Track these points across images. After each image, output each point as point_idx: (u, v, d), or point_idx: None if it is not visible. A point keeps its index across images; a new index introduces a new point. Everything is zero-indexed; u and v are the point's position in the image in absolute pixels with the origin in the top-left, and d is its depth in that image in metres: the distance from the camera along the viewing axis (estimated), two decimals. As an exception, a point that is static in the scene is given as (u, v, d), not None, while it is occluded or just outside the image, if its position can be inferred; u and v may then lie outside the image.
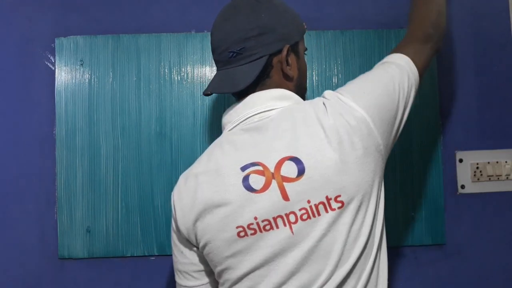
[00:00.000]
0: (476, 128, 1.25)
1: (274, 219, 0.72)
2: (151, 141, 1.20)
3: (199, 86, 1.22)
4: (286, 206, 0.72)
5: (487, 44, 1.26)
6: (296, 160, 0.72)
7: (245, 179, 0.73)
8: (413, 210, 1.21)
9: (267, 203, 0.72)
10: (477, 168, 1.23)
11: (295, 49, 0.85)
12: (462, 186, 1.23)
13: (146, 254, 1.18)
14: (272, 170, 0.72)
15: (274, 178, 0.72)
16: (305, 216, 0.71)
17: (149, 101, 1.20)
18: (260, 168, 0.73)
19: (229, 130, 0.81)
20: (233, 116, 0.82)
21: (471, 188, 1.23)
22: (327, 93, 0.79)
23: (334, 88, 1.21)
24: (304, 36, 0.90)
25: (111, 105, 1.20)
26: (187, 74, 1.22)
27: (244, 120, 0.80)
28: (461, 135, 1.24)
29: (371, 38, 1.24)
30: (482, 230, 1.23)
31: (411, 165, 1.22)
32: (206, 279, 0.84)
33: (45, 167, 1.19)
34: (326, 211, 0.71)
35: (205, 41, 1.22)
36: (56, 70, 1.21)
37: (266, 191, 0.72)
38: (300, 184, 0.71)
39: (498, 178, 1.24)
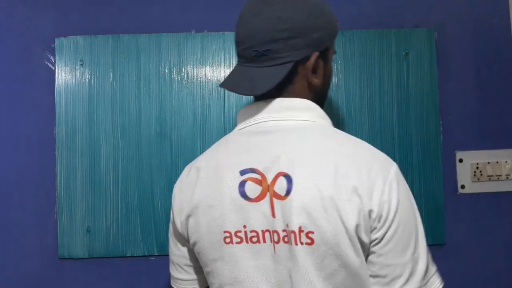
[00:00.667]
0: (476, 128, 1.25)
1: (263, 232, 0.69)
2: (151, 141, 1.20)
3: (199, 86, 1.22)
4: (273, 223, 0.68)
5: (487, 44, 1.26)
6: (287, 178, 0.68)
7: (242, 184, 0.70)
8: (413, 210, 1.21)
9: (258, 214, 0.69)
10: (477, 168, 1.23)
11: (324, 55, 0.78)
12: (462, 186, 1.23)
13: (146, 254, 1.18)
14: (269, 182, 0.69)
15: (268, 191, 0.69)
16: (286, 239, 0.67)
17: (149, 101, 1.20)
18: (258, 176, 0.70)
19: (239, 129, 0.77)
20: (247, 116, 0.77)
21: (471, 188, 1.23)
22: (393, 171, 0.69)
23: (334, 89, 1.22)
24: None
25: (111, 105, 1.20)
26: (187, 74, 1.22)
27: (257, 123, 0.75)
28: (461, 135, 1.24)
29: (371, 38, 1.24)
30: (482, 230, 1.23)
31: (411, 165, 1.22)
32: (195, 276, 0.82)
33: (45, 167, 1.19)
34: (296, 243, 0.66)
35: (205, 41, 1.22)
36: (56, 70, 1.21)
37: (260, 202, 0.69)
38: (284, 205, 0.67)
39: (498, 178, 1.24)
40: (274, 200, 0.68)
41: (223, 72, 1.22)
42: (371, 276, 0.69)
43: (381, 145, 1.21)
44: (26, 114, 1.20)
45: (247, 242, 0.69)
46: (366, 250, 0.68)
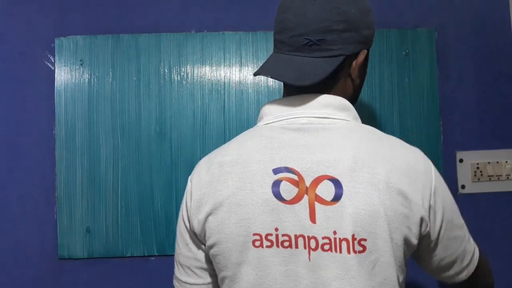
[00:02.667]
0: (476, 128, 1.24)
1: (296, 237, 0.64)
2: (151, 141, 1.20)
3: (199, 86, 1.22)
4: (311, 229, 0.64)
5: (487, 44, 1.26)
6: (336, 183, 0.64)
7: (276, 184, 0.65)
8: (413, 210, 1.21)
9: (293, 217, 0.64)
10: (478, 168, 1.23)
11: (367, 56, 0.76)
12: (463, 186, 1.23)
13: (146, 254, 1.18)
14: (307, 184, 0.64)
15: (307, 194, 0.64)
16: (326, 247, 0.63)
17: (149, 101, 1.20)
18: (295, 177, 0.65)
19: (266, 124, 0.71)
20: (278, 110, 0.71)
21: (472, 188, 1.23)
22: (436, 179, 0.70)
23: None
24: None
25: (110, 105, 1.20)
26: (187, 74, 1.22)
27: (290, 119, 0.70)
28: (461, 135, 1.24)
29: (371, 38, 1.23)
30: (482, 230, 1.23)
31: (411, 165, 1.21)
32: (208, 279, 0.75)
33: (45, 167, 1.19)
34: (348, 251, 0.63)
35: (205, 41, 1.22)
36: (56, 70, 1.21)
37: (296, 205, 0.64)
38: (332, 210, 0.63)
39: (499, 178, 1.23)
40: (317, 204, 0.64)
41: (223, 72, 1.22)
42: (436, 268, 0.75)
43: (381, 145, 1.21)
44: (26, 114, 1.20)
45: (277, 246, 0.65)
46: (412, 252, 0.70)
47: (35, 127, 1.20)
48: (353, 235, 0.62)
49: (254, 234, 0.65)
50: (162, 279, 1.20)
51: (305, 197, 0.64)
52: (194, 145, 1.20)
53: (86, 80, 1.21)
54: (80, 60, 1.21)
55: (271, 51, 1.24)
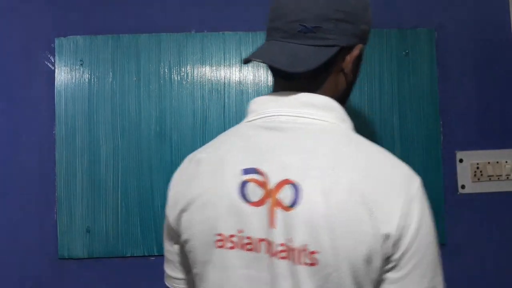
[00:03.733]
0: (476, 128, 1.24)
1: (259, 241, 0.62)
2: (151, 141, 1.20)
3: (199, 86, 1.22)
4: (271, 234, 0.61)
5: (487, 44, 1.26)
6: (296, 188, 0.60)
7: (243, 185, 0.63)
8: (413, 210, 1.21)
9: (257, 220, 0.62)
10: (477, 168, 1.23)
11: (362, 52, 0.72)
12: (462, 186, 1.23)
13: (146, 254, 1.18)
14: (271, 187, 0.62)
15: (270, 197, 0.61)
16: (283, 254, 0.60)
17: (149, 101, 1.20)
18: (261, 178, 0.63)
19: (249, 121, 0.69)
20: (262, 107, 0.69)
21: (472, 188, 1.23)
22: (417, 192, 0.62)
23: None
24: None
25: (111, 105, 1.20)
26: (187, 74, 1.22)
27: (270, 116, 0.67)
28: (461, 135, 1.24)
29: (372, 37, 1.22)
30: (482, 230, 1.23)
31: (411, 165, 1.20)
32: (190, 274, 0.74)
33: (45, 167, 1.19)
34: (300, 262, 0.59)
35: (205, 41, 1.22)
36: (56, 70, 1.21)
37: (260, 207, 0.62)
38: (289, 217, 0.60)
39: (499, 178, 1.23)
40: (277, 209, 0.61)
41: (223, 72, 1.22)
42: None
43: (381, 145, 1.20)
44: (26, 114, 1.20)
45: (241, 248, 0.63)
46: (375, 278, 0.61)
47: (35, 127, 1.20)
48: (305, 246, 0.59)
49: (217, 234, 0.64)
50: (162, 279, 1.19)
51: (269, 200, 0.62)
52: (194, 145, 1.20)
53: (86, 80, 1.21)
54: (80, 60, 1.21)
55: (271, 51, 1.24)
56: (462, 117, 1.24)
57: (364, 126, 1.21)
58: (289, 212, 0.60)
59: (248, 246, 0.63)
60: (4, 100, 1.20)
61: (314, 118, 0.66)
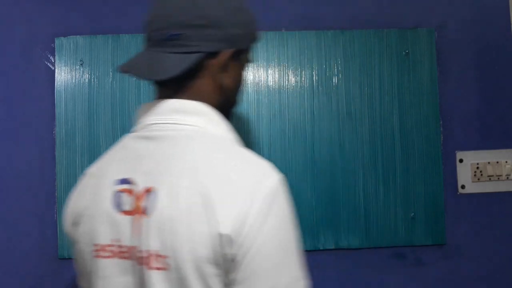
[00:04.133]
0: (476, 128, 1.25)
1: (131, 248, 0.63)
2: (151, 141, 1.20)
3: (199, 86, 1.21)
4: (138, 241, 0.63)
5: (487, 44, 1.26)
6: (155, 195, 0.62)
7: (117, 195, 0.65)
8: (413, 210, 1.21)
9: (128, 229, 0.63)
10: (477, 168, 1.23)
11: (239, 57, 0.72)
12: (463, 186, 1.23)
13: (146, 254, 1.18)
14: (138, 195, 0.64)
15: (137, 205, 0.63)
16: (145, 261, 0.62)
17: (149, 101, 1.20)
18: (131, 187, 0.64)
19: (132, 132, 0.71)
20: (142, 117, 0.71)
21: (472, 188, 1.23)
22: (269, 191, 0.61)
23: (334, 89, 1.22)
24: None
25: (111, 105, 1.20)
26: (187, 74, 1.21)
27: (147, 125, 0.69)
28: (461, 135, 1.24)
29: (371, 38, 1.23)
30: (482, 230, 1.23)
31: (411, 165, 1.22)
32: None
33: (45, 167, 1.19)
34: (152, 267, 0.61)
35: (205, 41, 1.22)
36: (56, 70, 1.21)
37: (131, 216, 0.64)
38: (147, 223, 0.62)
39: (499, 178, 1.23)
40: (141, 216, 0.63)
41: (223, 72, 1.22)
42: None
43: (381, 145, 1.21)
44: (26, 114, 1.20)
45: (118, 257, 0.64)
46: (225, 281, 0.60)
47: (35, 127, 1.20)
48: (158, 251, 0.61)
49: (95, 245, 0.66)
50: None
51: (137, 208, 0.63)
52: (194, 145, 1.20)
53: (86, 80, 1.21)
54: (80, 60, 1.21)
55: (271, 51, 1.25)
56: (462, 117, 1.24)
57: (364, 126, 1.22)
58: (149, 218, 0.62)
59: (125, 254, 0.64)
60: (4, 100, 1.20)
61: (183, 124, 0.67)
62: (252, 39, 0.75)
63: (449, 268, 1.22)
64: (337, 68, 1.23)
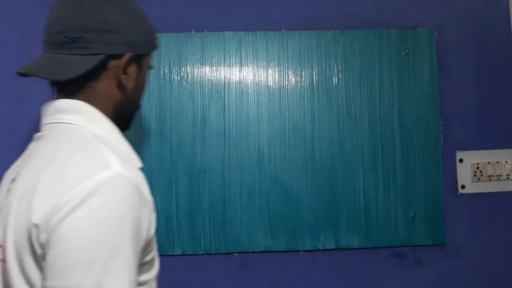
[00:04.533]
0: (476, 128, 1.25)
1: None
2: (151, 141, 1.20)
3: (199, 86, 1.21)
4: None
5: (487, 44, 1.26)
6: (9, 191, 0.67)
7: (7, 193, 0.68)
8: (413, 210, 1.21)
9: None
10: (477, 168, 1.23)
11: (139, 61, 0.76)
12: (462, 186, 1.23)
13: (146, 254, 1.18)
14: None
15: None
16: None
17: (149, 101, 1.20)
18: (13, 185, 0.67)
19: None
20: (42, 116, 0.74)
21: (471, 188, 1.23)
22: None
23: (334, 89, 1.22)
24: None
25: (111, 105, 1.20)
26: (187, 74, 1.22)
27: (42, 126, 0.73)
28: (461, 135, 1.24)
29: (371, 38, 1.23)
30: (482, 230, 1.23)
31: (411, 165, 1.22)
32: None
33: (45, 167, 1.19)
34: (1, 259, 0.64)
35: (205, 41, 1.22)
36: (56, 70, 1.21)
37: None
38: (2, 217, 0.66)
39: (499, 178, 1.23)
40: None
41: (223, 72, 1.22)
42: None
43: (381, 145, 1.21)
44: (26, 114, 1.20)
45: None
46: (40, 274, 0.59)
47: (36, 127, 1.20)
48: (1, 243, 0.63)
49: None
50: (161, 278, 1.19)
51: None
52: (194, 145, 1.20)
53: (86, 80, 1.21)
54: (80, 60, 1.21)
55: (271, 51, 1.25)
56: (462, 117, 1.24)
57: (364, 126, 1.22)
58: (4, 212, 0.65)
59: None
60: (4, 100, 1.20)
61: (63, 122, 0.69)
62: (151, 45, 0.79)
63: (449, 268, 1.22)
64: (337, 68, 1.23)
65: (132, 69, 0.74)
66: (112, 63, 0.71)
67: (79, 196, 0.57)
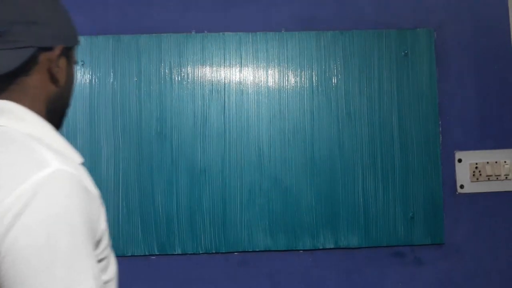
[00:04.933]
0: (475, 128, 1.25)
1: None
2: (151, 141, 1.20)
3: (199, 86, 1.22)
4: None
5: (486, 45, 1.26)
6: None
7: None
8: (412, 210, 1.21)
9: None
10: (476, 168, 1.23)
11: (69, 54, 0.73)
12: (461, 186, 1.24)
13: (147, 253, 1.19)
14: None
15: None
16: None
17: (150, 101, 1.21)
18: None
19: None
20: None
21: (470, 188, 1.24)
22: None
23: (333, 89, 1.22)
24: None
25: (111, 105, 1.21)
26: (187, 75, 1.22)
27: None
28: (460, 135, 1.25)
29: (371, 38, 1.24)
30: (480, 230, 1.24)
31: (410, 165, 1.22)
32: None
33: (46, 167, 1.20)
34: None
35: (205, 41, 1.23)
36: (57, 71, 1.21)
37: None
38: None
39: (497, 178, 1.24)
40: None
41: (223, 72, 1.22)
42: None
43: (380, 145, 1.22)
44: (27, 114, 1.21)
45: None
46: None
47: None
48: None
49: None
50: (162, 278, 1.20)
51: None
52: (194, 145, 1.20)
53: (87, 80, 1.21)
54: (81, 61, 1.21)
55: (271, 51, 1.25)
56: (461, 117, 1.25)
57: (364, 126, 1.22)
58: None
59: None
60: (5, 100, 1.20)
61: None
62: (76, 39, 0.76)
63: (447, 267, 1.23)
64: (337, 68, 1.23)
65: (63, 62, 0.71)
66: (43, 56, 0.68)
67: (21, 200, 0.53)
